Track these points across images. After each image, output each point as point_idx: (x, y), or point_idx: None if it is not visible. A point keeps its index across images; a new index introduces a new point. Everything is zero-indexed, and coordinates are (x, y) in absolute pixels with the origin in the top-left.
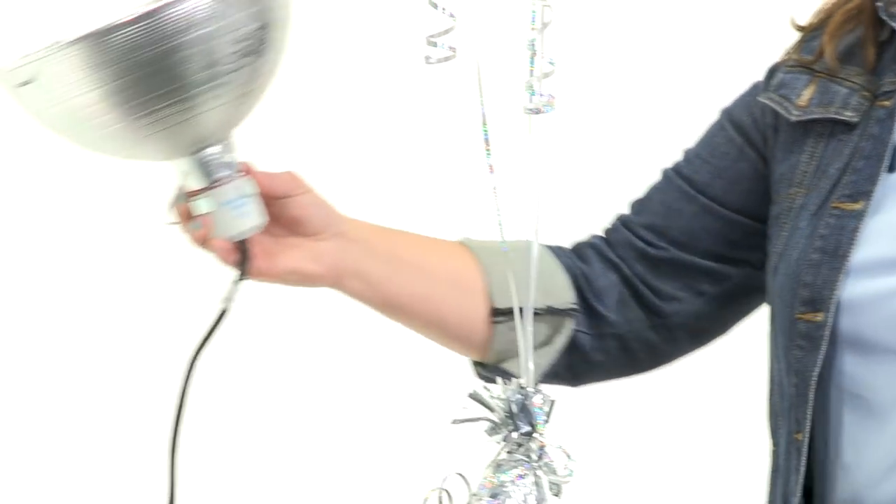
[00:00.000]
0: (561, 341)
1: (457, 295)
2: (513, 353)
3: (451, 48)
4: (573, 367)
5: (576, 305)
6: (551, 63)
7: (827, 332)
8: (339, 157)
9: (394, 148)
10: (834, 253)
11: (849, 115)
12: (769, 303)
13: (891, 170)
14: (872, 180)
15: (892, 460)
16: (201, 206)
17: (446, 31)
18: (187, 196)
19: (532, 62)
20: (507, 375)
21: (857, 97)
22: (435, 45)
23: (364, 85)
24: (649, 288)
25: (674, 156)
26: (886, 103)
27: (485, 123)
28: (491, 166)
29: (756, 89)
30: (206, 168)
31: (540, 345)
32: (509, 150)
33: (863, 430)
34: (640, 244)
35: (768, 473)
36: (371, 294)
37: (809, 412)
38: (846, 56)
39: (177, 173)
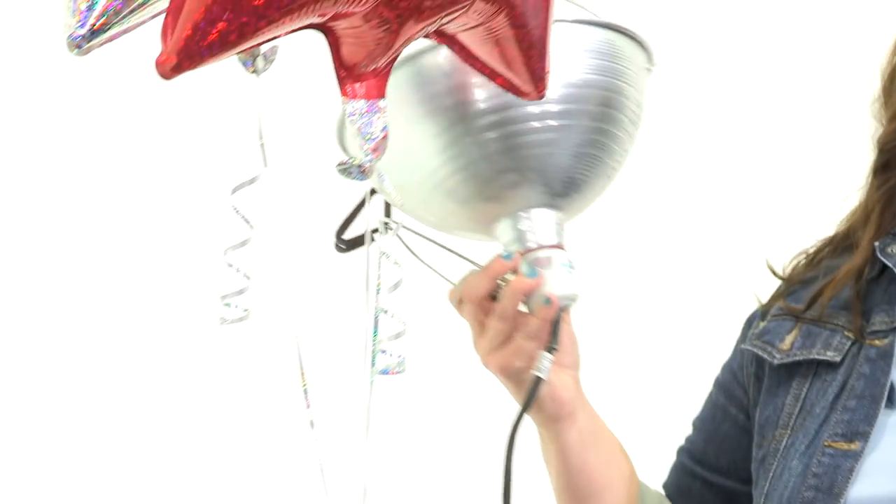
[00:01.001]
0: None
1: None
2: None
3: (245, 309)
4: None
5: None
6: (403, 323)
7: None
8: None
9: None
10: (829, 491)
11: (831, 355)
12: None
13: (889, 405)
14: (869, 421)
15: None
16: (542, 260)
17: (240, 292)
18: (524, 251)
19: (376, 329)
20: None
21: (839, 337)
22: (229, 305)
23: None
24: None
25: None
26: (877, 343)
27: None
28: (311, 422)
29: (738, 342)
30: (557, 228)
31: None
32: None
33: None
34: None
35: None
36: (575, 445)
37: None
38: (814, 299)
39: (509, 228)
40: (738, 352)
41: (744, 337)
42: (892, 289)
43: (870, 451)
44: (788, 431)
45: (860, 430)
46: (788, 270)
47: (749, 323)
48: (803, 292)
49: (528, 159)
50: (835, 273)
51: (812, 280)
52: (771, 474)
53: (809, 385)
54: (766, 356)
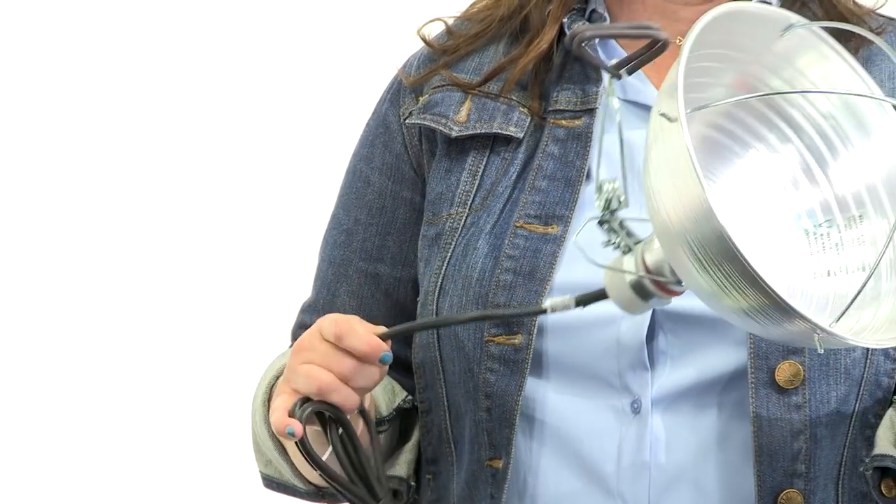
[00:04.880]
0: None
1: None
2: None
3: None
4: None
5: None
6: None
7: (529, 356)
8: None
9: None
10: (530, 275)
11: (514, 131)
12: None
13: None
14: (567, 205)
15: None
16: None
17: None
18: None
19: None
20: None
21: (517, 113)
22: None
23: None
24: None
25: None
26: (565, 123)
27: None
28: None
29: (383, 128)
30: None
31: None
32: None
33: (554, 461)
34: None
35: None
36: None
37: (513, 437)
38: (494, 74)
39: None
40: (396, 131)
41: (397, 114)
42: (576, 68)
43: (570, 234)
44: (467, 210)
45: (557, 214)
46: (447, 40)
47: (394, 100)
48: (469, 63)
49: None
50: (516, 51)
51: (479, 51)
52: (449, 254)
53: (486, 161)
54: (441, 128)
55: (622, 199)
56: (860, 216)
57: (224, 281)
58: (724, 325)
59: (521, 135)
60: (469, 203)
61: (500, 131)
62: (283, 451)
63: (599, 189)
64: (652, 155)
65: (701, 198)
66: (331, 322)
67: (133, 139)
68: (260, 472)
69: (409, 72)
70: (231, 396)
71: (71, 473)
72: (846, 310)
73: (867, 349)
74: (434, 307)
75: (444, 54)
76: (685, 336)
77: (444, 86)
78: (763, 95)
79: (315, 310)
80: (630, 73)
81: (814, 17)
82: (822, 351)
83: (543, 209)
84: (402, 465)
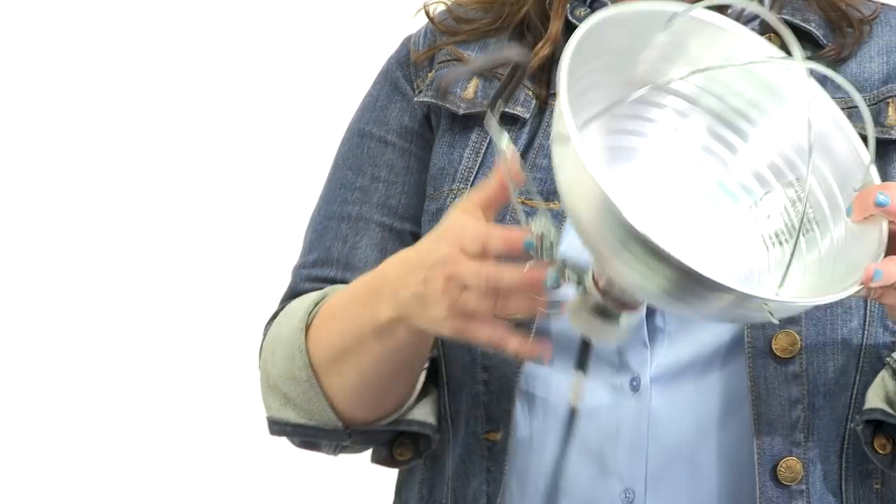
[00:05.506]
0: None
1: None
2: None
3: None
4: None
5: None
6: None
7: (531, 331)
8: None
9: None
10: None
11: (520, 111)
12: None
13: None
14: None
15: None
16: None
17: None
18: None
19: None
20: None
21: (524, 94)
22: None
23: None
24: None
25: None
26: None
27: None
28: None
29: (398, 95)
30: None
31: None
32: None
33: (552, 438)
34: None
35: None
36: None
37: (512, 410)
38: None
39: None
40: (413, 99)
41: (410, 85)
42: None
43: None
44: (469, 186)
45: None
46: (451, 21)
47: (405, 70)
48: (474, 43)
49: None
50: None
51: (489, 32)
52: None
53: (489, 139)
54: (448, 105)
55: (552, 235)
56: (796, 179)
57: (224, 281)
58: None
59: (527, 115)
60: (471, 179)
61: (507, 110)
62: (317, 383)
63: (531, 243)
64: (559, 179)
65: (592, 186)
66: (469, 234)
67: (133, 139)
68: (269, 418)
69: (417, 47)
70: (231, 396)
71: (71, 473)
72: (786, 272)
73: (863, 319)
74: None
75: (446, 35)
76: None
77: (449, 60)
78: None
79: (328, 263)
80: (506, 102)
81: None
82: (777, 321)
83: (545, 185)
84: (426, 411)
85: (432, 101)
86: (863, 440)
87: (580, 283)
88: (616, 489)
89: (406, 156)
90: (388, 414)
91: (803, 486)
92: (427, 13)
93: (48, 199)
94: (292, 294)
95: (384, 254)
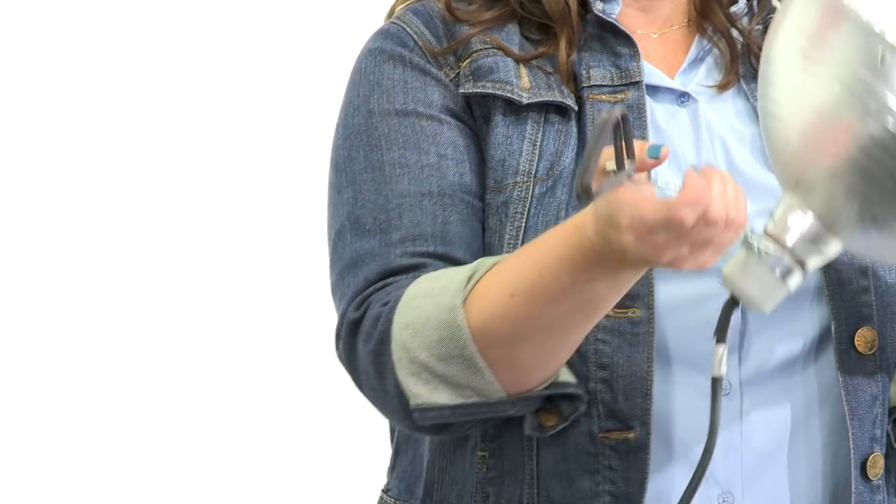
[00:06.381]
0: None
1: None
2: None
3: None
4: None
5: None
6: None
7: (652, 329)
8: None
9: None
10: None
11: (570, 102)
12: None
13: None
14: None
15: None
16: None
17: None
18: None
19: None
20: None
21: (563, 86)
22: None
23: None
24: None
25: None
26: (605, 98)
27: None
28: None
29: (433, 80)
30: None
31: None
32: None
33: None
34: None
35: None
36: None
37: (650, 406)
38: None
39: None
40: (450, 87)
41: (439, 72)
42: (596, 45)
43: None
44: (532, 180)
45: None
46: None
47: (424, 56)
48: (503, 32)
49: None
50: (543, 35)
51: (506, 22)
52: (523, 224)
53: (543, 131)
54: (509, 95)
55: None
56: None
57: (224, 281)
58: (803, 301)
59: (576, 107)
60: (533, 173)
61: (563, 101)
62: (481, 359)
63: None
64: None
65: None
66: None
67: (133, 140)
68: (418, 406)
69: (424, 36)
70: (230, 397)
71: (71, 473)
72: None
73: None
74: None
75: (465, 24)
76: (767, 314)
77: (486, 49)
78: None
79: (421, 238)
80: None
81: None
82: None
83: None
84: (568, 373)
85: (486, 92)
86: (892, 437)
87: (749, 238)
88: (713, 493)
89: (464, 135)
90: (548, 378)
91: (881, 482)
92: (448, 6)
93: (48, 200)
94: (387, 272)
95: (472, 230)
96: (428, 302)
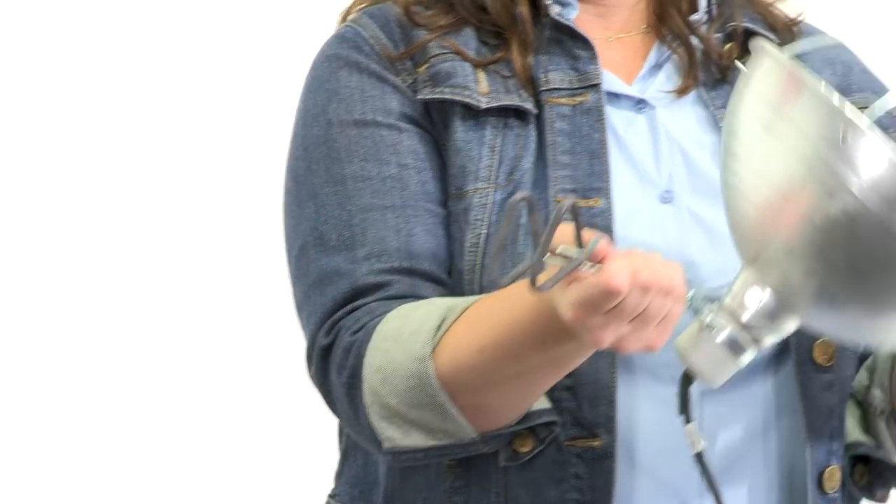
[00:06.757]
0: None
1: None
2: None
3: None
4: None
5: None
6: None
7: None
8: None
9: None
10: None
11: (529, 106)
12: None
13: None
14: (601, 177)
15: None
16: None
17: None
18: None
19: None
20: None
21: (522, 90)
22: None
23: None
24: None
25: None
26: (565, 101)
27: None
28: None
29: (390, 87)
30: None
31: None
32: None
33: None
34: None
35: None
36: None
37: (615, 414)
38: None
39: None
40: (407, 92)
41: (395, 77)
42: (555, 49)
43: (614, 207)
44: (493, 186)
45: (594, 187)
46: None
47: (380, 61)
48: (461, 37)
49: None
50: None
51: (465, 20)
52: (485, 231)
53: (503, 137)
54: (468, 100)
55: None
56: None
57: (223, 281)
58: None
59: (535, 110)
60: (494, 178)
61: (521, 105)
62: (452, 405)
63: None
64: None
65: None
66: (663, 276)
67: (133, 139)
68: (392, 449)
69: (380, 40)
70: (230, 397)
71: (71, 473)
72: None
73: None
74: (476, 285)
75: (423, 28)
76: None
77: (443, 53)
78: None
79: (386, 254)
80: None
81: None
82: None
83: (577, 182)
84: (543, 398)
85: (445, 97)
86: (846, 473)
87: (703, 313)
88: (671, 503)
89: (424, 142)
90: (521, 414)
91: (838, 495)
92: (406, 11)
93: (47, 200)
94: (355, 291)
95: (437, 239)
96: (398, 347)
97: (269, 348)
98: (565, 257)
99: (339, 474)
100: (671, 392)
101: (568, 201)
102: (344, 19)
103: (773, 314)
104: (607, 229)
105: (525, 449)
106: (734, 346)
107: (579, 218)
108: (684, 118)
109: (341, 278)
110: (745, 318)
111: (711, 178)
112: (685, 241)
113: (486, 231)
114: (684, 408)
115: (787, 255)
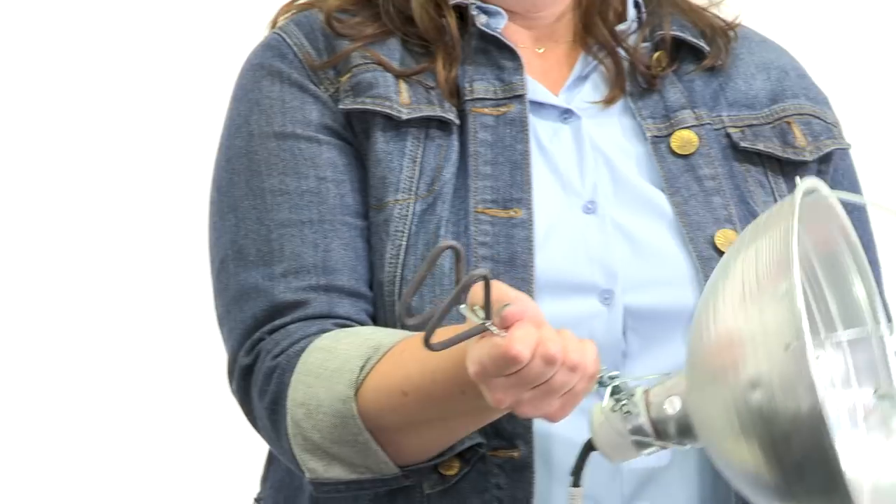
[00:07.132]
0: None
1: None
2: None
3: None
4: None
5: None
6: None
7: None
8: None
9: None
10: (511, 262)
11: (451, 117)
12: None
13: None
14: (522, 188)
15: None
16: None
17: None
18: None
19: None
20: None
21: (445, 102)
22: None
23: None
24: None
25: None
26: (489, 111)
27: None
28: None
29: (310, 97)
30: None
31: None
32: None
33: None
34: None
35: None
36: None
37: (531, 425)
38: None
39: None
40: (328, 103)
41: (317, 87)
42: (481, 58)
43: (535, 218)
44: (413, 197)
45: (514, 197)
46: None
47: (302, 71)
48: (385, 47)
49: None
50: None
51: (388, 37)
52: (404, 243)
53: (424, 147)
54: (389, 111)
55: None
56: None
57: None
58: (686, 318)
59: (457, 121)
60: (414, 190)
61: (443, 115)
62: (374, 442)
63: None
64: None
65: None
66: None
67: (133, 139)
68: (315, 480)
69: (305, 49)
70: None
71: (71, 473)
72: None
73: None
74: (396, 297)
75: (346, 39)
76: (651, 332)
77: (366, 64)
78: None
79: (303, 271)
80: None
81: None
82: None
83: (498, 193)
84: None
85: (366, 108)
86: None
87: (622, 399)
88: None
89: (344, 153)
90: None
91: None
92: (328, 20)
93: (48, 200)
94: (273, 309)
95: (356, 253)
96: (320, 384)
97: (164, 354)
98: (476, 315)
99: (265, 479)
100: (588, 402)
101: (480, 272)
102: (273, 25)
103: (683, 430)
104: (527, 240)
105: (451, 472)
106: (640, 436)
107: (489, 289)
108: (610, 128)
109: (259, 295)
110: (659, 416)
111: (636, 187)
112: (608, 251)
113: (405, 242)
114: (577, 471)
115: (712, 401)
